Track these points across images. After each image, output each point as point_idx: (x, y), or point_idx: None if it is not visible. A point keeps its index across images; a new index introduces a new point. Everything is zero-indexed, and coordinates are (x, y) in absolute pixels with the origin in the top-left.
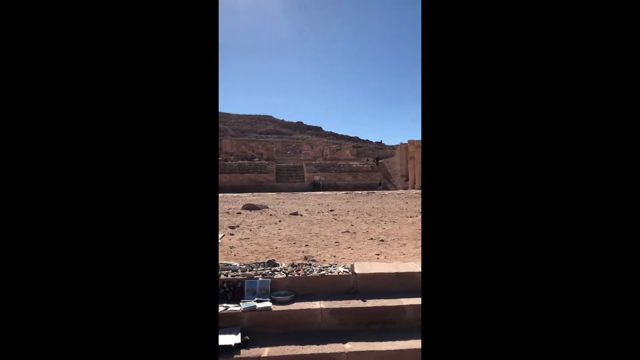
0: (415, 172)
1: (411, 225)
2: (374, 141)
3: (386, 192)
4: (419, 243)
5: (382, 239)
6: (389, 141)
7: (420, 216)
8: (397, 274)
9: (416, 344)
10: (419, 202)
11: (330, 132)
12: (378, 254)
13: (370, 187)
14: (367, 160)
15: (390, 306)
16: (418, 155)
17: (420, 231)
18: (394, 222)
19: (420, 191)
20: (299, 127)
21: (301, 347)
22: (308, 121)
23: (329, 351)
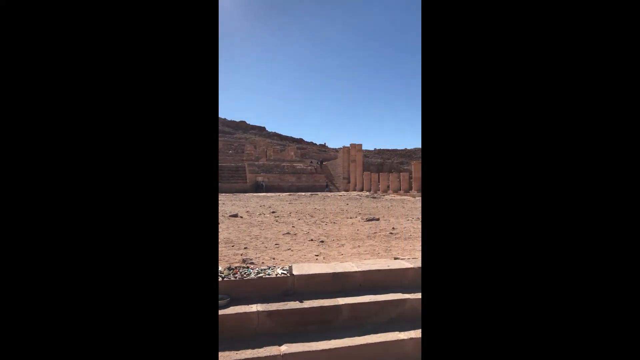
0: (356, 174)
1: (350, 226)
2: (317, 143)
3: (329, 193)
4: (357, 243)
5: (322, 240)
6: (332, 144)
7: (359, 217)
8: (334, 274)
9: (350, 342)
10: (359, 203)
11: (275, 132)
12: (317, 255)
13: (313, 188)
14: (311, 162)
15: (326, 306)
16: (359, 158)
17: (358, 232)
18: (334, 223)
19: (360, 192)
20: (242, 126)
21: (235, 352)
22: (251, 120)
23: (264, 355)
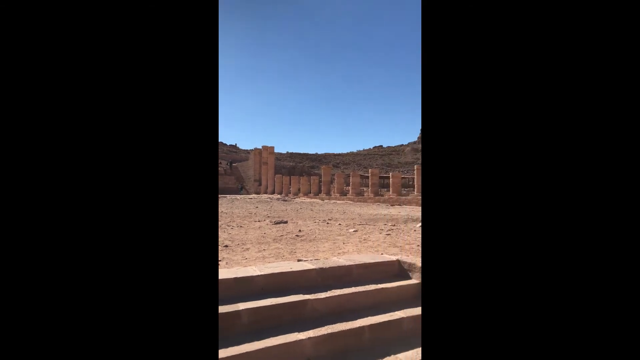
0: (268, 176)
1: (257, 230)
2: (228, 144)
3: (238, 196)
4: (263, 247)
5: (227, 245)
6: (243, 145)
7: (267, 220)
8: (236, 279)
9: (249, 347)
10: (269, 206)
11: None
12: (220, 260)
13: (223, 191)
14: (220, 162)
15: (225, 312)
16: (271, 160)
17: (265, 235)
18: (240, 227)
19: (272, 195)
20: None
21: None
22: None
23: None
